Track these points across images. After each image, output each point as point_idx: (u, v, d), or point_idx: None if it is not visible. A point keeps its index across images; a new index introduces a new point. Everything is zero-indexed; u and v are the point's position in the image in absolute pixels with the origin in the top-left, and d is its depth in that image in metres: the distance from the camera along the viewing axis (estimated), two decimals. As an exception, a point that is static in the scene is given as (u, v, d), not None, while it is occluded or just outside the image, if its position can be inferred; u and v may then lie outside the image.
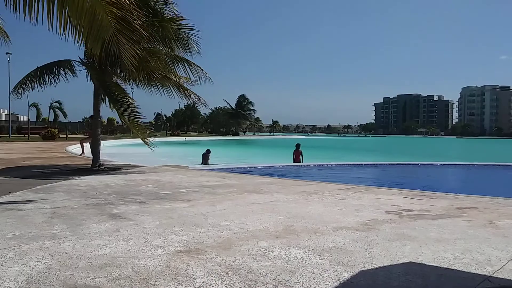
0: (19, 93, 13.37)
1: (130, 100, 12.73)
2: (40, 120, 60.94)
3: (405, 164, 20.49)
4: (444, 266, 3.81)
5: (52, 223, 5.36)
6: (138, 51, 10.27)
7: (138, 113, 12.63)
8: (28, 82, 13.24)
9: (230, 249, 4.25)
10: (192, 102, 14.58)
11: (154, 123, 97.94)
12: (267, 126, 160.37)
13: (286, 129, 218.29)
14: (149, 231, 4.97)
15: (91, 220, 5.52)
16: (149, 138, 13.26)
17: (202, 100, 14.81)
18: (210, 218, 5.70)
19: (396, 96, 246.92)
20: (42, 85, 13.28)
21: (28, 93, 13.52)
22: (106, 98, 12.79)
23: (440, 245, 4.48)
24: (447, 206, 6.87)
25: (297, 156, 19.70)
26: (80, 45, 11.94)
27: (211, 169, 14.01)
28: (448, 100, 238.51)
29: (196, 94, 14.53)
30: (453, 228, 5.28)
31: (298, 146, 20.04)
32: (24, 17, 7.50)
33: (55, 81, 13.38)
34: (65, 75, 13.46)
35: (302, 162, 19.37)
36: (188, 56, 13.73)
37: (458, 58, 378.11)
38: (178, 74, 13.98)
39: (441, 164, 20.88)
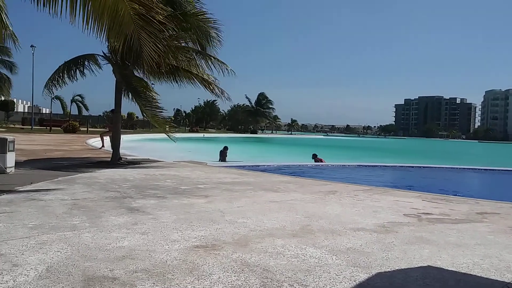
0: (51, 90, 13.63)
1: (153, 94, 12.86)
2: (65, 113, 61.99)
3: (425, 167, 20.24)
4: (462, 271, 3.76)
5: (72, 214, 5.45)
6: (159, 46, 10.35)
7: (160, 108, 12.79)
8: (58, 77, 13.48)
9: (246, 246, 4.26)
10: (215, 95, 14.58)
11: (173, 119, 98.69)
12: (285, 125, 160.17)
13: (304, 128, 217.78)
14: (167, 225, 5.02)
15: (110, 213, 5.59)
16: (172, 134, 13.45)
17: (225, 93, 14.81)
18: (227, 215, 5.72)
19: (417, 97, 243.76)
20: (71, 79, 13.52)
21: (61, 88, 13.79)
22: (129, 93, 12.96)
23: (459, 250, 4.41)
24: (467, 210, 6.77)
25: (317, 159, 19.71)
26: (102, 39, 12.13)
27: (229, 166, 14.06)
28: (470, 103, 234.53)
29: (219, 88, 14.56)
30: (473, 233, 5.20)
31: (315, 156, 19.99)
32: (49, 11, 7.64)
33: (81, 75, 13.61)
34: (91, 68, 13.68)
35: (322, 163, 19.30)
36: (210, 50, 13.81)
37: (482, 61, 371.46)
38: (201, 68, 14.04)
39: (461, 168, 20.58)
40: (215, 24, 13.18)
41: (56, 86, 13.62)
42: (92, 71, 13.69)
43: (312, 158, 19.66)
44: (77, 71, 13.53)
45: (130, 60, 12.78)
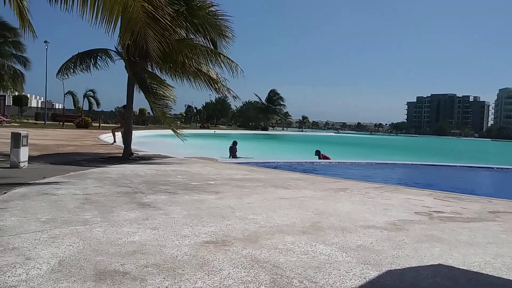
0: (65, 75, 13.72)
1: (167, 89, 12.87)
2: (77, 108, 62.46)
3: (437, 165, 20.09)
4: (474, 270, 3.73)
5: (84, 209, 5.50)
6: (164, 44, 10.41)
7: (169, 106, 12.86)
8: (71, 65, 13.58)
9: (256, 242, 4.27)
10: (222, 95, 14.57)
11: (184, 115, 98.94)
12: (296, 122, 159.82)
13: (315, 126, 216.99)
14: (177, 221, 5.04)
15: (121, 208, 5.64)
16: (181, 130, 13.48)
17: (232, 92, 14.80)
18: (238, 211, 5.74)
19: (430, 95, 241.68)
20: (84, 70, 13.61)
21: (73, 76, 13.87)
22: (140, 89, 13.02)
23: (471, 249, 4.38)
24: (479, 209, 6.71)
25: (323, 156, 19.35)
26: (112, 35, 12.23)
27: (239, 163, 14.08)
28: (484, 101, 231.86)
29: (226, 87, 14.53)
30: (485, 232, 5.15)
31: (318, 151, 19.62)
32: (60, 7, 7.76)
33: (95, 67, 13.68)
34: (104, 62, 13.76)
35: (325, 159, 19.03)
36: (220, 46, 13.81)
37: (496, 59, 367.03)
38: (209, 66, 14.04)
39: (474, 166, 20.39)
40: (225, 18, 13.21)
41: (68, 75, 13.70)
42: (106, 64, 13.76)
43: (316, 155, 19.10)
44: (90, 63, 13.59)
45: (140, 56, 12.83)
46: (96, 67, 13.68)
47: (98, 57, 13.67)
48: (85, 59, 13.60)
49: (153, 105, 12.64)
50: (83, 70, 13.61)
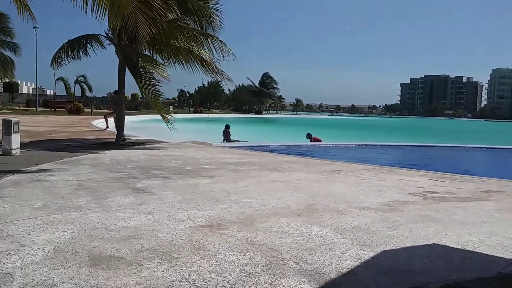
0: (58, 64, 13.57)
1: (160, 68, 12.77)
2: (69, 94, 61.94)
3: (430, 146, 20.16)
4: (468, 249, 3.75)
5: (77, 195, 5.47)
6: (155, 30, 10.29)
7: (160, 91, 12.82)
8: (63, 54, 13.43)
9: (251, 225, 4.27)
10: (215, 77, 14.40)
11: (177, 99, 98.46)
12: (290, 105, 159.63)
13: (309, 108, 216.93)
14: (172, 205, 5.03)
15: (115, 193, 5.61)
16: (171, 115, 13.41)
17: (225, 74, 14.62)
18: (232, 195, 5.73)
19: (423, 76, 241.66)
20: (75, 58, 13.48)
21: (66, 65, 13.73)
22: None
23: (465, 228, 4.41)
24: (473, 189, 6.75)
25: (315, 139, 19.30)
26: (103, 20, 12.07)
27: (233, 147, 14.05)
28: (477, 82, 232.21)
29: (219, 69, 14.37)
30: (479, 212, 5.19)
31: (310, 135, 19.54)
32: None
33: (84, 54, 13.54)
34: (93, 48, 13.60)
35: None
36: (210, 31, 13.67)
37: (489, 39, 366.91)
38: (201, 49, 13.89)
39: (467, 147, 20.49)
40: (216, 5, 13.09)
41: (61, 64, 13.59)
42: (95, 51, 13.61)
43: (307, 138, 19.00)
44: (80, 50, 13.44)
45: (130, 40, 12.67)
46: (87, 54, 13.55)
47: (88, 43, 13.51)
48: (76, 46, 13.44)
49: (144, 90, 12.55)
50: (74, 58, 13.47)
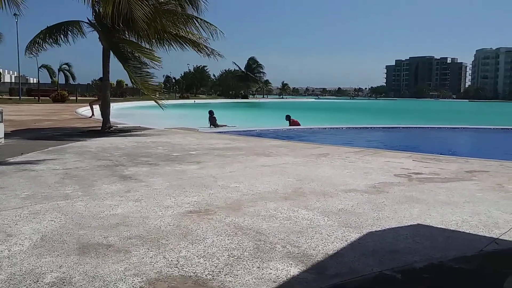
0: (33, 52, 13.30)
1: (147, 54, 12.62)
2: (52, 81, 60.98)
3: (415, 127, 20.36)
4: (452, 229, 3.83)
5: (64, 183, 5.45)
6: (148, 9, 10.16)
7: (150, 74, 12.68)
8: (40, 40, 13.16)
9: (239, 210, 4.30)
10: (206, 55, 14.15)
11: (163, 85, 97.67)
12: (276, 89, 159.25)
13: (296, 92, 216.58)
14: (160, 192, 5.04)
15: (102, 181, 5.60)
16: (162, 101, 13.35)
17: (215, 52, 14.37)
18: (220, 180, 5.75)
19: (408, 58, 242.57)
20: (53, 45, 13.23)
21: (41, 53, 13.44)
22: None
23: (448, 208, 4.49)
24: (456, 169, 6.86)
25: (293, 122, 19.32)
26: (88, 5, 11.87)
27: (220, 132, 14.04)
28: (461, 62, 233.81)
29: (209, 48, 14.16)
30: (462, 191, 5.28)
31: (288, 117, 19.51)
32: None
33: (64, 41, 13.31)
34: (73, 36, 13.37)
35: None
36: (195, 13, 13.55)
37: (473, 20, 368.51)
38: (189, 30, 13.74)
39: (451, 127, 20.73)
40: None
41: (37, 52, 13.30)
42: (74, 38, 13.38)
43: (286, 120, 19.01)
44: (59, 37, 13.17)
45: (120, 24, 12.50)
46: (67, 41, 13.30)
47: (69, 30, 13.26)
48: (54, 32, 13.18)
49: (132, 74, 12.43)
50: (52, 44, 13.20)
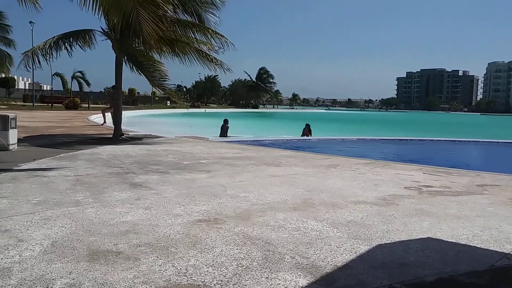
0: (29, 65, 12.50)
1: (159, 65, 12.84)
2: (66, 89, 61.61)
3: (426, 140, 20.24)
4: (462, 243, 3.80)
5: (75, 190, 5.49)
6: (159, 24, 10.28)
7: (166, 76, 12.97)
8: (48, 49, 13.07)
9: (248, 220, 4.31)
10: (214, 68, 14.27)
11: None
12: (287, 99, 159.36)
13: (306, 103, 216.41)
14: (169, 200, 5.06)
15: (113, 188, 5.64)
16: (183, 102, 13.71)
17: (225, 65, 14.49)
18: (229, 189, 5.76)
19: (419, 70, 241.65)
20: (58, 54, 12.98)
21: (51, 61, 13.32)
22: (133, 67, 12.97)
23: (459, 222, 4.46)
24: (467, 183, 6.80)
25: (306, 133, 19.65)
26: (101, 16, 12.00)
27: (230, 141, 14.07)
28: (473, 75, 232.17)
29: (218, 60, 14.27)
30: (473, 205, 5.24)
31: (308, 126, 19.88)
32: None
33: (73, 49, 13.24)
34: (84, 45, 13.39)
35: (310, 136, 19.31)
36: (208, 24, 13.68)
37: (485, 33, 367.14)
38: (199, 40, 13.88)
39: (462, 141, 20.57)
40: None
41: (48, 58, 12.85)
42: (87, 47, 13.45)
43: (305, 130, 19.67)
44: (67, 46, 13.05)
45: (130, 35, 12.66)
46: (71, 51, 13.15)
47: (80, 39, 13.29)
48: (65, 41, 13.13)
49: (151, 79, 12.70)
50: (57, 53, 12.86)
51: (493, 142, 20.71)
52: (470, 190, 6.22)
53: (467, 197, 5.76)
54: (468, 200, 5.53)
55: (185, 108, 13.47)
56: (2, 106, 37.91)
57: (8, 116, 9.42)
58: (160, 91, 13.50)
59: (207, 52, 13.95)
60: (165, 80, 13.26)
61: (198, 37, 13.73)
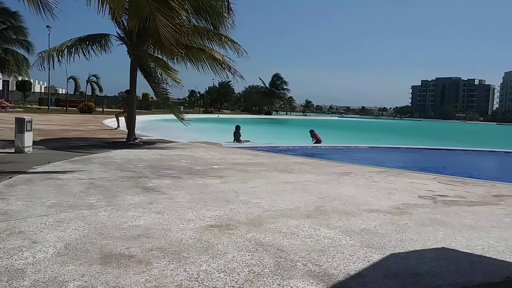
0: (43, 66, 12.78)
1: (171, 72, 12.86)
2: (78, 93, 62.35)
3: (441, 149, 20.04)
4: (477, 253, 3.74)
5: (88, 193, 5.53)
6: (175, 28, 10.33)
7: (165, 89, 13.04)
8: (65, 50, 13.16)
9: (260, 226, 4.29)
10: (227, 75, 14.32)
11: (187, 99, 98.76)
12: (300, 106, 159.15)
13: (319, 110, 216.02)
14: (182, 205, 5.07)
15: (126, 192, 5.67)
16: (183, 115, 13.58)
17: (238, 73, 14.52)
18: (242, 195, 5.76)
19: (434, 79, 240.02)
20: (73, 59, 13.06)
21: (68, 65, 13.46)
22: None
23: (474, 232, 4.39)
24: (483, 193, 6.71)
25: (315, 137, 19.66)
26: (116, 21, 12.12)
27: (243, 147, 14.08)
28: (489, 84, 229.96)
29: (231, 67, 14.30)
30: (489, 216, 5.16)
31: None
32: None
33: (90, 53, 13.36)
34: (100, 49, 13.51)
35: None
36: (223, 30, 13.72)
37: (502, 42, 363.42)
38: (213, 48, 13.94)
39: (478, 150, 20.32)
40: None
41: (62, 61, 12.86)
42: (103, 51, 13.57)
43: (312, 136, 19.69)
44: (81, 49, 13.09)
45: (146, 40, 12.74)
46: (88, 54, 13.22)
47: (96, 43, 13.41)
48: (82, 44, 13.26)
49: (155, 90, 12.76)
50: (74, 58, 12.91)
51: (509, 152, 20.42)
52: (486, 200, 6.13)
53: (483, 207, 5.67)
54: (483, 211, 5.45)
55: (184, 124, 13.38)
56: (18, 109, 38.46)
57: (24, 119, 9.54)
58: (161, 103, 13.61)
59: (221, 59, 13.98)
60: (167, 94, 13.46)
61: (212, 46, 13.81)
